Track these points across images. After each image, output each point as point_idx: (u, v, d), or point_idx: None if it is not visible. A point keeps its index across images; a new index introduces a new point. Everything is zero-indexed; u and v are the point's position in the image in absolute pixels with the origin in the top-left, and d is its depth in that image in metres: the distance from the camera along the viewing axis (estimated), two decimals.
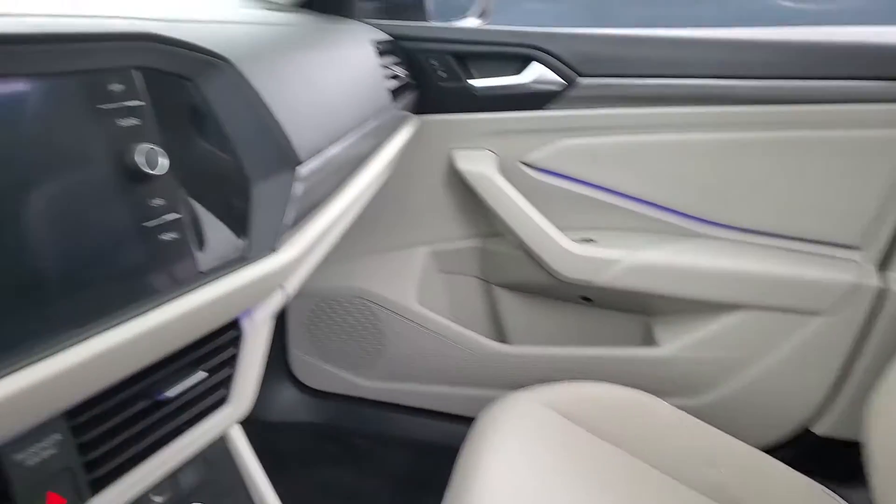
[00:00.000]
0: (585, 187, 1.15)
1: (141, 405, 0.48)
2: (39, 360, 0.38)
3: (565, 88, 1.09)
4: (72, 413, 0.43)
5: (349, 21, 1.01)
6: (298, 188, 0.59)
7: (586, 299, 1.21)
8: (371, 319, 1.23)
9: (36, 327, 0.39)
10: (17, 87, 0.40)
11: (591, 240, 1.14)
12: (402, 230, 1.24)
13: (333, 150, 0.69)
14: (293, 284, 0.65)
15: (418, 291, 1.22)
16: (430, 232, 1.24)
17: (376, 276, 1.23)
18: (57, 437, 0.42)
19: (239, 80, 0.55)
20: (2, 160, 0.38)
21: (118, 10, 0.48)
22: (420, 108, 1.12)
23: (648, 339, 1.17)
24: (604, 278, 1.10)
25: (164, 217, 0.47)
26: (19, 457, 0.40)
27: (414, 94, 1.09)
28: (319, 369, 1.30)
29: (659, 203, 1.13)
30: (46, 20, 0.42)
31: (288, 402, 1.33)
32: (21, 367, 0.37)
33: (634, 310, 1.19)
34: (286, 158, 0.58)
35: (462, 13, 1.34)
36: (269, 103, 0.57)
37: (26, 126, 0.40)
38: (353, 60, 0.86)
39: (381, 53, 0.97)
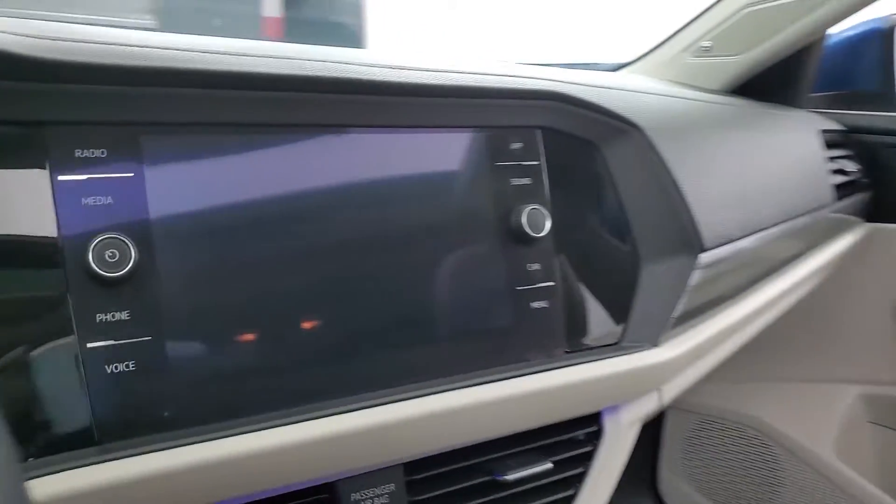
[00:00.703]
0: None
1: (478, 479, 0.45)
2: (396, 400, 0.38)
3: None
4: (411, 467, 0.42)
5: (789, 108, 0.88)
6: (696, 277, 0.50)
7: None
8: (766, 460, 1.03)
9: (397, 369, 0.39)
10: (428, 138, 0.42)
11: None
12: (825, 359, 1.03)
13: (746, 243, 0.58)
14: (672, 391, 0.56)
15: (837, 441, 0.98)
16: (864, 369, 1.01)
17: (782, 409, 1.03)
18: (391, 487, 0.41)
19: (647, 149, 0.50)
20: (401, 207, 0.40)
21: (521, 70, 0.48)
22: (873, 214, 0.92)
23: None
24: None
25: (538, 283, 0.44)
26: (355, 496, 0.40)
27: (866, 196, 0.89)
28: (690, 500, 1.13)
29: None
30: (467, 76, 0.43)
31: None
32: (378, 404, 0.37)
33: None
34: (688, 242, 0.50)
35: None
36: (678, 179, 0.50)
37: (428, 176, 0.42)
38: (788, 148, 0.74)
39: (829, 145, 0.81)
